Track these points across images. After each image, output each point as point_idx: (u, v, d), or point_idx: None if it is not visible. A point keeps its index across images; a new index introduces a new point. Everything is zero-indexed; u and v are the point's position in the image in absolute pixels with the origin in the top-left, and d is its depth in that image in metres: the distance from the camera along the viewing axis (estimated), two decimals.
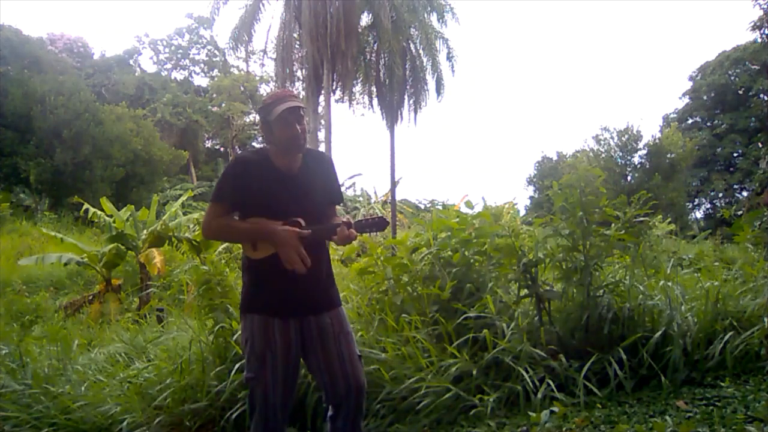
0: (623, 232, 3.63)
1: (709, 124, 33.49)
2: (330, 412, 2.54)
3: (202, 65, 43.08)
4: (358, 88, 24.02)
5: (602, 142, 25.73)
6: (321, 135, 22.70)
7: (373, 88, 22.75)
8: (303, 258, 2.32)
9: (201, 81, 42.55)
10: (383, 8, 20.67)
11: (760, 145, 23.86)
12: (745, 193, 29.08)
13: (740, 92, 31.59)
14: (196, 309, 4.16)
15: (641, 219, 3.74)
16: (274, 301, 2.41)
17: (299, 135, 2.43)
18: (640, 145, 25.30)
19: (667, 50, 72.77)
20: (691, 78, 34.99)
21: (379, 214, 2.37)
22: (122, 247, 10.22)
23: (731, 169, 32.12)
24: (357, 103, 25.31)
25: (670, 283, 3.91)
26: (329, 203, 2.60)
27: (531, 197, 36.76)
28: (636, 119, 47.64)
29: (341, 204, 2.73)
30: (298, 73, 22.58)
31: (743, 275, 4.46)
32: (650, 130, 50.26)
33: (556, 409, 2.86)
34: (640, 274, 4.05)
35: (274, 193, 2.42)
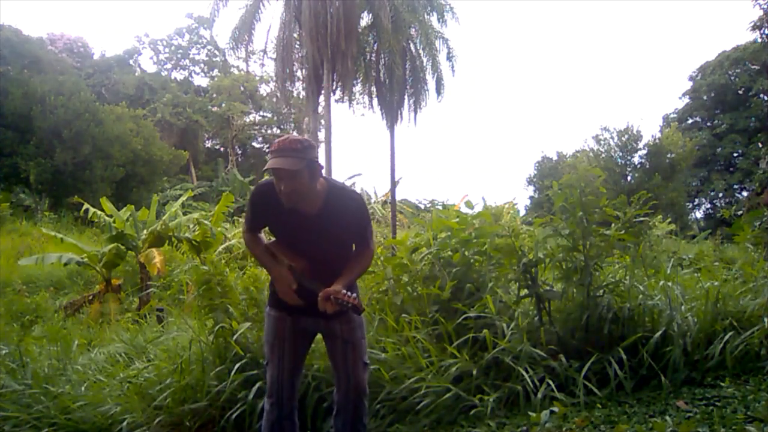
0: (623, 232, 3.63)
1: (709, 124, 33.48)
2: (334, 411, 2.64)
3: (202, 65, 43.05)
4: (358, 88, 24.03)
5: (602, 142, 25.73)
6: (321, 135, 22.72)
7: (373, 88, 22.73)
8: (294, 298, 2.46)
9: (201, 81, 42.55)
10: (383, 8, 20.66)
11: (760, 145, 23.84)
12: (745, 193, 29.07)
13: (740, 92, 31.58)
14: (196, 309, 4.15)
15: (641, 219, 3.74)
16: (287, 303, 2.54)
17: (284, 194, 2.34)
18: (640, 145, 25.31)
19: (667, 50, 72.73)
20: (691, 78, 35.00)
21: (356, 300, 2.34)
22: (122, 247, 10.22)
23: (731, 169, 32.11)
24: (357, 103, 25.35)
25: (670, 283, 3.91)
26: (355, 242, 2.57)
27: (531, 197, 36.72)
28: (636, 119, 47.60)
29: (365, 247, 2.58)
30: (298, 73, 22.60)
31: (743, 275, 4.46)
32: (650, 130, 50.21)
33: (556, 409, 2.86)
34: (640, 274, 4.05)
35: (288, 229, 2.53)
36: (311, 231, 2.44)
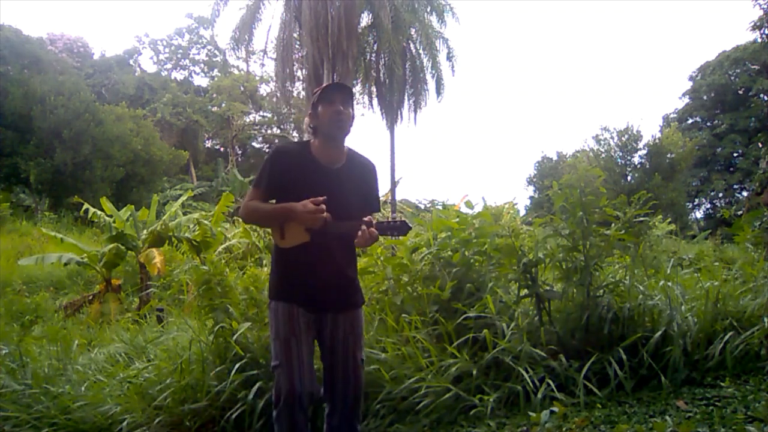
0: (623, 232, 3.63)
1: (709, 124, 33.49)
2: (327, 410, 2.59)
3: (202, 65, 43.05)
4: (358, 88, 24.02)
5: (602, 142, 25.78)
6: None
7: (373, 88, 22.76)
8: (318, 210, 2.32)
9: (201, 81, 42.57)
10: (383, 8, 20.67)
11: (760, 145, 23.81)
12: (745, 193, 29.08)
13: (740, 92, 31.59)
14: (196, 309, 4.16)
15: (641, 219, 3.74)
16: (298, 291, 2.47)
17: (341, 113, 2.46)
18: (640, 145, 25.36)
19: (667, 50, 72.80)
20: (691, 78, 35.03)
21: (401, 218, 2.37)
22: (122, 247, 10.22)
23: (731, 169, 32.11)
24: (357, 103, 25.32)
25: (670, 283, 3.90)
26: (365, 210, 2.53)
27: (531, 197, 36.78)
28: (636, 119, 47.73)
29: (376, 213, 2.66)
30: (298, 73, 22.60)
31: (743, 275, 4.45)
32: (650, 130, 50.34)
33: (556, 409, 2.85)
34: (640, 274, 4.04)
35: (310, 184, 2.44)
36: (331, 186, 2.42)
